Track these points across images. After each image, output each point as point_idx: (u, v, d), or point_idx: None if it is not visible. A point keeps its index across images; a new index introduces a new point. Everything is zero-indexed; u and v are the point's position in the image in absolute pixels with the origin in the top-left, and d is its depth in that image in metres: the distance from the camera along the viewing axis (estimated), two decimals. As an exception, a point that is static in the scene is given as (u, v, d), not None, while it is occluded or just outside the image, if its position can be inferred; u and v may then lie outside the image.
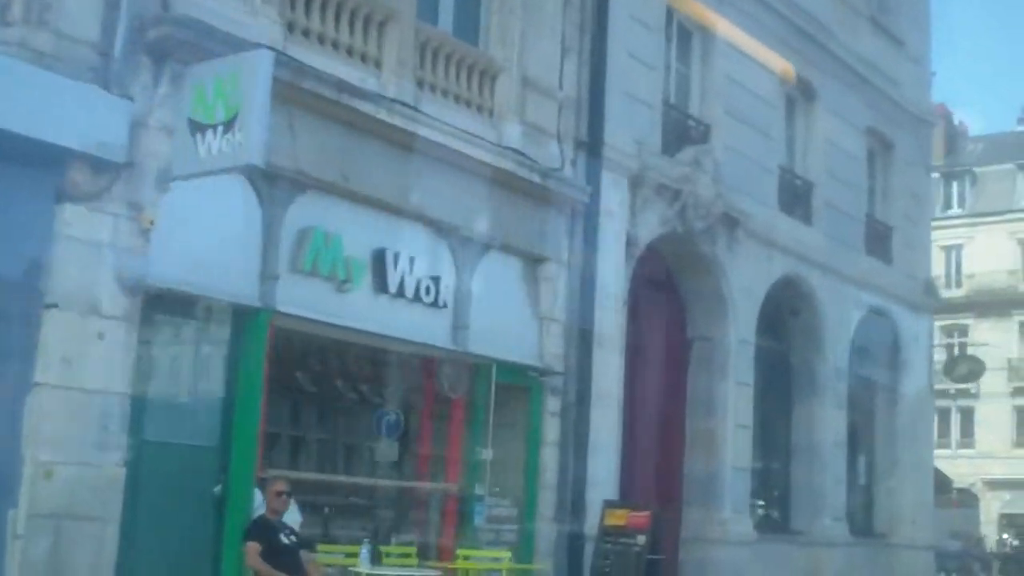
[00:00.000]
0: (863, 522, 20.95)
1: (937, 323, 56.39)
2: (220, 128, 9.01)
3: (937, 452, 54.69)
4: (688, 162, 15.58)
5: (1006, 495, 52.12)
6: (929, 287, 21.67)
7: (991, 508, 51.33)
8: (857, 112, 19.98)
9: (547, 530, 13.46)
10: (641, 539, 13.03)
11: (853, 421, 20.86)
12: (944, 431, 53.97)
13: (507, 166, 12.82)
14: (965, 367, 21.06)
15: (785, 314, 18.68)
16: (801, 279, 18.30)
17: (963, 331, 53.69)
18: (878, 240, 20.84)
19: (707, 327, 16.74)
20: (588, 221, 14.04)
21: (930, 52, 22.64)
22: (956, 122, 58.07)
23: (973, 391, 53.01)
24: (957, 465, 53.22)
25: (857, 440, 21.02)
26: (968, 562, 30.04)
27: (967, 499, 53.10)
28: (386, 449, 12.08)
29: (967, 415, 53.35)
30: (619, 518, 13.29)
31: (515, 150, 13.00)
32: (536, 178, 13.15)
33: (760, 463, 18.69)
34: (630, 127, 14.74)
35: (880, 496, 21.05)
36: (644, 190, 14.87)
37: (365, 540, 10.83)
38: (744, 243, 16.79)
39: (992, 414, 52.36)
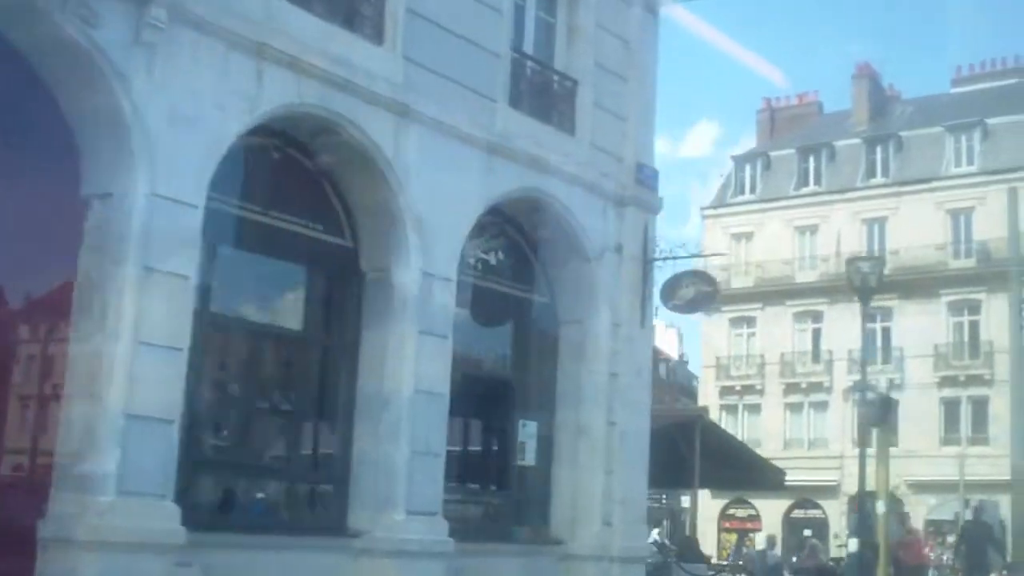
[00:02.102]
0: (531, 521, 13.48)
1: (857, 306, 48.87)
2: None
3: (859, 451, 47.29)
4: None
5: (932, 499, 44.45)
6: (645, 176, 14.19)
7: (917, 514, 43.39)
8: None
9: None
10: None
11: (500, 366, 13.54)
12: (865, 427, 46.29)
13: None
14: (690, 289, 13.46)
15: (323, 181, 11.28)
16: (345, 123, 10.87)
17: (886, 314, 45.92)
18: (548, 96, 13.43)
19: (107, 179, 9.37)
20: None
21: None
22: (886, 86, 50.52)
23: (897, 381, 45.41)
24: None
25: (514, 396, 13.59)
26: (796, 581, 22.46)
27: (893, 505, 45.38)
28: None
29: (890, 409, 45.51)
30: None
31: None
32: None
33: (279, 418, 11.34)
34: None
35: (560, 483, 13.56)
36: None
37: None
38: (179, 34, 9.43)
39: (918, 408, 44.50)
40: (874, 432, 18.33)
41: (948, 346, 44.44)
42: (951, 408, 44.34)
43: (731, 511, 47.67)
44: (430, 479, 11.32)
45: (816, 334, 46.77)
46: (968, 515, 32.50)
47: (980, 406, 43.15)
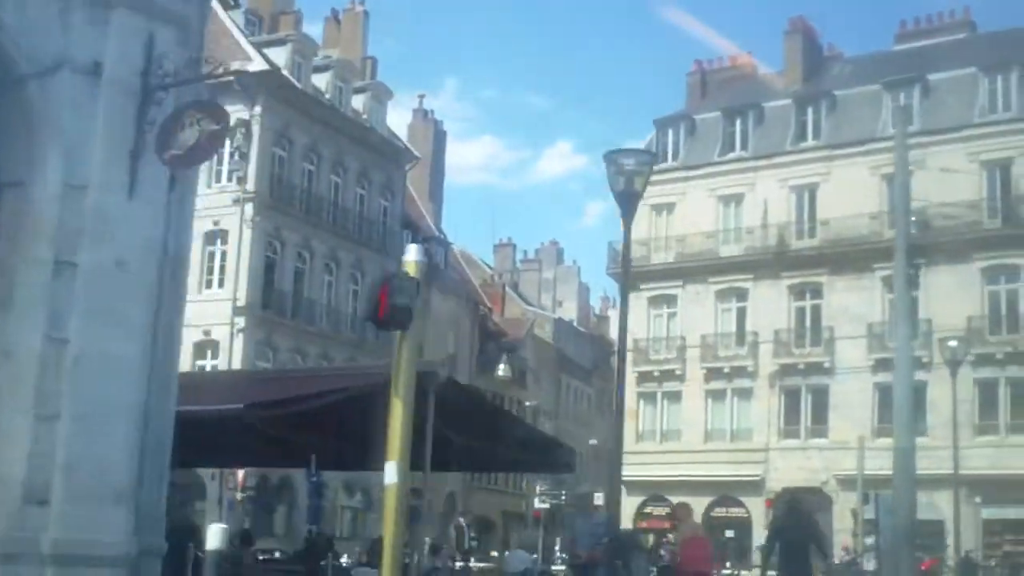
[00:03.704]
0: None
1: (785, 282, 43.46)
2: None
3: (785, 443, 41.72)
4: None
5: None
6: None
7: (846, 513, 37.85)
8: None
9: None
10: None
11: None
12: (792, 417, 40.77)
13: None
14: (193, 131, 8.18)
15: None
16: None
17: (816, 290, 40.51)
18: None
19: None
20: None
21: None
22: (825, 45, 45.14)
23: (826, 365, 39.95)
24: (807, 458, 40.06)
25: None
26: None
27: (821, 502, 39.80)
28: None
29: (819, 396, 40.04)
30: None
31: None
32: None
33: None
34: None
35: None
36: None
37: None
38: None
39: (850, 394, 39.08)
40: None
41: (883, 326, 38.81)
42: (886, 395, 38.66)
43: (648, 509, 42.16)
44: None
45: (740, 313, 41.34)
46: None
47: (917, 392, 37.30)
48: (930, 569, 27.60)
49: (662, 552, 21.01)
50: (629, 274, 13.93)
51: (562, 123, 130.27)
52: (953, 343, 29.53)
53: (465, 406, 15.55)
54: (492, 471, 24.53)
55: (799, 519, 14.53)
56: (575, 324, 65.20)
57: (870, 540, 30.32)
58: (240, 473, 28.77)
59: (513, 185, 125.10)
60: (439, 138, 54.59)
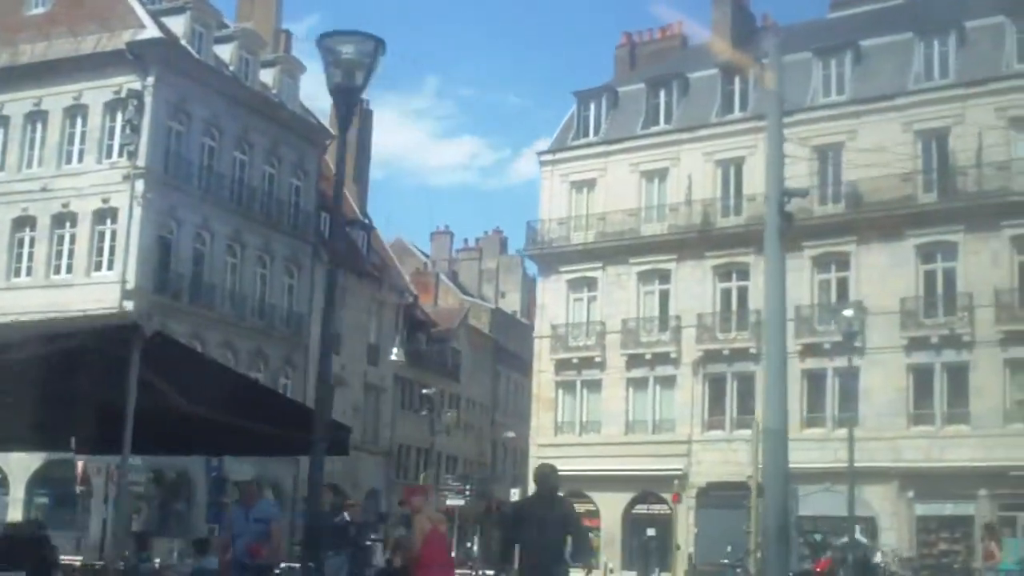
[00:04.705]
0: None
1: (709, 262, 40.32)
2: None
3: (709, 435, 38.43)
4: None
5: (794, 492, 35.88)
6: None
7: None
8: None
9: None
10: None
11: None
12: (717, 407, 37.69)
13: None
14: None
15: None
16: None
17: (742, 271, 37.45)
18: None
19: None
20: None
21: None
22: (760, 16, 42.17)
23: (753, 351, 36.87)
24: (733, 451, 36.99)
25: None
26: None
27: (747, 498, 36.80)
28: None
29: (746, 384, 36.94)
30: None
31: None
32: None
33: None
34: None
35: None
36: None
37: None
38: None
39: (777, 382, 35.96)
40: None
41: (812, 309, 35.86)
42: (816, 382, 35.78)
43: (566, 506, 39.03)
44: None
45: (663, 296, 38.31)
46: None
47: (849, 379, 34.43)
48: (825, 570, 24.63)
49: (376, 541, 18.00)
50: (340, 201, 10.59)
51: (540, 121, 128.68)
52: (848, 312, 26.46)
53: (192, 373, 12.47)
54: (240, 454, 19.08)
55: (550, 504, 9.92)
56: (517, 315, 62.03)
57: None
58: (79, 464, 25.59)
59: (495, 184, 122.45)
60: (365, 118, 51.43)
